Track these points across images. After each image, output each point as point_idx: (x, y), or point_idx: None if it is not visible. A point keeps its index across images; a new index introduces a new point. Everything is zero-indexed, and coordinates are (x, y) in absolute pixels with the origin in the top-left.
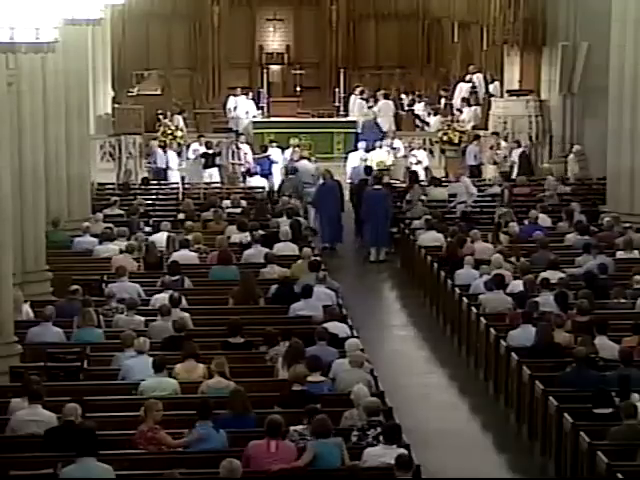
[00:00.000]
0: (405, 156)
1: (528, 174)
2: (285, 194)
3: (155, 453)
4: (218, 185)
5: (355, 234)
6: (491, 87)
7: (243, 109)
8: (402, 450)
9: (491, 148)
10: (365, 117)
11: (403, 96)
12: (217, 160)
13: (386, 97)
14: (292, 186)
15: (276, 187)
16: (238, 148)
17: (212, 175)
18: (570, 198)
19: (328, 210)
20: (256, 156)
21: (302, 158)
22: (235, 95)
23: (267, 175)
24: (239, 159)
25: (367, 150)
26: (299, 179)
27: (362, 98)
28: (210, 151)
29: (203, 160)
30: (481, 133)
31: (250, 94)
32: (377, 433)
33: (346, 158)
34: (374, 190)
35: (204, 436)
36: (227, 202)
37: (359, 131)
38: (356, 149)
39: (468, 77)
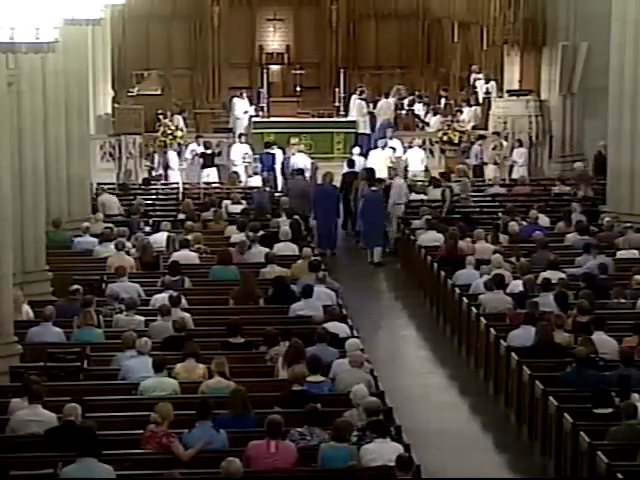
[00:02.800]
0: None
1: (602, 173)
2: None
3: (155, 453)
4: (218, 185)
5: (343, 227)
6: (488, 86)
7: (243, 109)
8: (397, 444)
9: (494, 148)
10: (385, 117)
11: (402, 90)
12: (216, 160)
13: (386, 96)
14: (299, 189)
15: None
16: (165, 152)
17: (210, 175)
18: (570, 198)
19: (323, 214)
20: (259, 154)
21: (299, 152)
22: (240, 97)
23: (270, 172)
24: (160, 164)
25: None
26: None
27: (361, 98)
28: (208, 151)
29: (202, 160)
30: (486, 133)
31: (248, 94)
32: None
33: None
34: (371, 191)
35: (208, 439)
36: (227, 201)
37: (365, 131)
38: (376, 147)
39: (473, 77)
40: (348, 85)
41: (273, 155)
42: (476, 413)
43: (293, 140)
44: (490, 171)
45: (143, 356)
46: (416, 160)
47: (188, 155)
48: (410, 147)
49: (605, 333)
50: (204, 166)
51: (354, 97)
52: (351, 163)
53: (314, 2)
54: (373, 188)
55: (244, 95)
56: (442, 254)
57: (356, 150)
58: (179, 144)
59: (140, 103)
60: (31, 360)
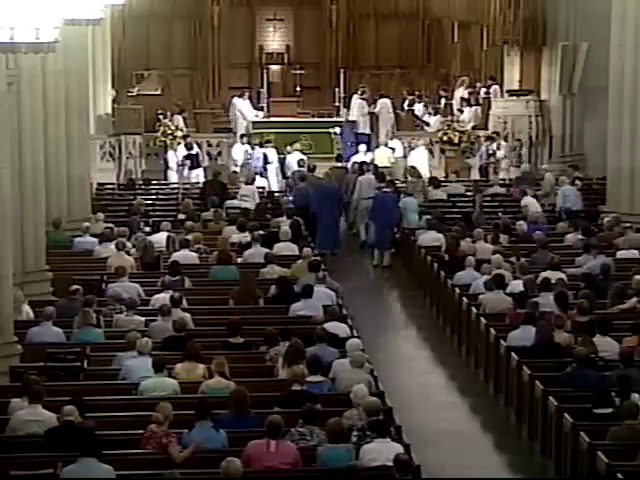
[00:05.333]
0: (405, 156)
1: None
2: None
3: (156, 453)
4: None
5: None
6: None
7: (241, 110)
8: (397, 445)
9: (513, 149)
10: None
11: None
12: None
13: (384, 96)
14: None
15: (274, 187)
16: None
17: (199, 175)
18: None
19: (325, 215)
20: (251, 152)
21: (295, 150)
22: (241, 97)
23: (260, 173)
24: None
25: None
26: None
27: (362, 98)
28: (193, 152)
29: (189, 162)
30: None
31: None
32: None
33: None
34: (383, 192)
35: (202, 440)
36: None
37: (365, 131)
38: (378, 145)
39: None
40: (348, 85)
41: (265, 155)
42: (476, 413)
43: (295, 145)
44: (512, 173)
45: (143, 356)
46: (420, 161)
47: (179, 157)
48: (414, 148)
49: (609, 337)
50: (192, 167)
51: (355, 97)
52: (339, 158)
53: (314, 2)
54: (385, 189)
55: (245, 96)
56: (443, 255)
57: (362, 147)
58: (179, 144)
59: (140, 103)
60: (31, 360)
